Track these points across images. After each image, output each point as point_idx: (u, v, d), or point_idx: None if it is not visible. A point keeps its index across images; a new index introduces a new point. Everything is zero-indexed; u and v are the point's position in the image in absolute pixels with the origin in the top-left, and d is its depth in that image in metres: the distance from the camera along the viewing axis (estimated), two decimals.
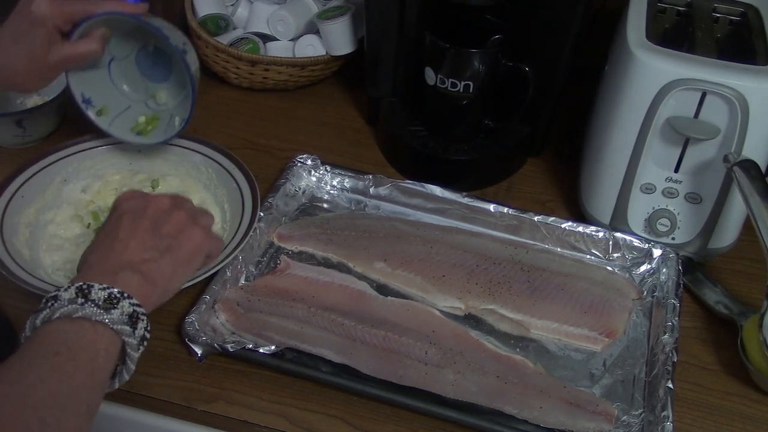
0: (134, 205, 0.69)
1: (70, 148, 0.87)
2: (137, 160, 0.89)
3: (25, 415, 0.51)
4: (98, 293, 0.58)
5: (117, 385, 0.61)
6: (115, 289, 0.59)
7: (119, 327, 0.58)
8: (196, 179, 0.88)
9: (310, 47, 1.05)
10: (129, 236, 0.65)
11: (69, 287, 0.59)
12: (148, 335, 0.61)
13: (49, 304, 0.57)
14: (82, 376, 0.55)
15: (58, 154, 0.86)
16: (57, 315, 0.56)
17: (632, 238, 0.83)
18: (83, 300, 0.57)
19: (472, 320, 0.77)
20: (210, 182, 0.87)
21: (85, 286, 0.58)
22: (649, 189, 0.82)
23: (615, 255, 0.84)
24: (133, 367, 0.60)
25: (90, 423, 0.55)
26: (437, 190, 0.88)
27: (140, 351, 0.60)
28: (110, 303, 0.58)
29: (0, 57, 0.75)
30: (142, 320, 0.60)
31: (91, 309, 0.57)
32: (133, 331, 0.59)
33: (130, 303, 0.59)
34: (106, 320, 0.57)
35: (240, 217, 0.81)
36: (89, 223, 0.83)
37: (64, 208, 0.84)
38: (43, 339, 0.56)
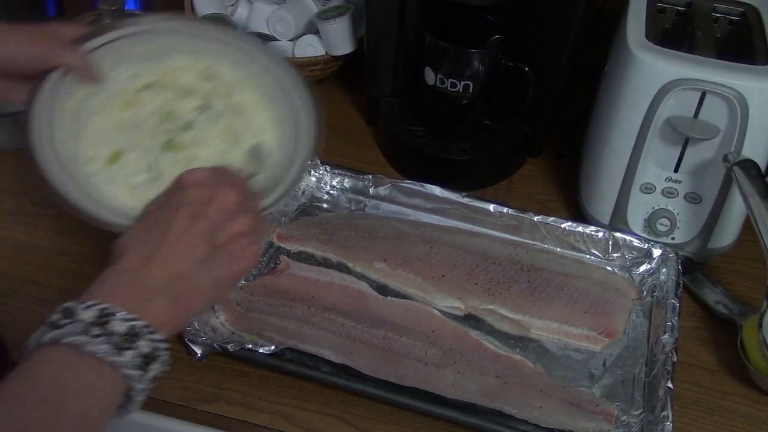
0: (197, 197, 0.59)
1: (122, 29, 0.73)
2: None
3: None
4: (118, 325, 0.51)
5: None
6: (139, 323, 0.52)
7: (128, 371, 0.51)
8: None
9: (310, 47, 1.05)
10: (179, 239, 0.57)
11: (90, 306, 0.51)
12: (159, 375, 0.53)
13: (62, 321, 0.51)
14: (69, 425, 0.49)
15: (111, 35, 0.72)
16: (66, 341, 0.50)
17: (632, 238, 0.83)
18: (99, 330, 0.50)
19: (471, 320, 0.77)
20: None
21: (107, 312, 0.51)
22: (648, 189, 0.82)
23: (615, 255, 0.84)
24: (134, 411, 0.53)
25: None
26: (437, 190, 0.88)
27: (145, 393, 0.53)
28: (128, 340, 0.51)
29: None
30: (160, 358, 0.53)
31: (104, 347, 0.50)
32: (144, 374, 0.51)
33: (151, 340, 0.52)
34: (115, 362, 0.50)
35: None
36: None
37: (112, 97, 0.73)
38: (36, 374, 0.49)
